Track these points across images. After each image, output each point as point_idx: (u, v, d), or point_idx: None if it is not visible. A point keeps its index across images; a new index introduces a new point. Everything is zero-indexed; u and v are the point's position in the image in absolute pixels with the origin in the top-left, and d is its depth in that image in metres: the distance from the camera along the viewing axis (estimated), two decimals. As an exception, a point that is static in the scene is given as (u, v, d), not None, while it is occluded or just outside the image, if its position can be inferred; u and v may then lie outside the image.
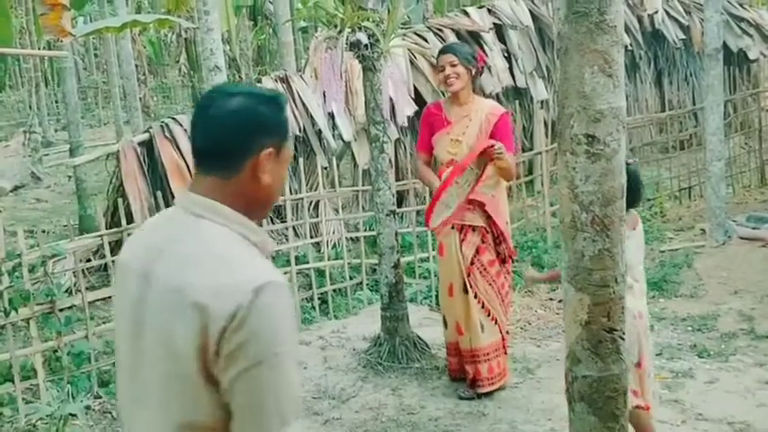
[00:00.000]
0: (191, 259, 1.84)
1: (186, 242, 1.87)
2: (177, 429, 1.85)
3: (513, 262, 5.29)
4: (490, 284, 5.10)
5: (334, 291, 7.04)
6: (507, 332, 5.33)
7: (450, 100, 5.23)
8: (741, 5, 13.55)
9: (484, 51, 10.73)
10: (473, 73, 5.14)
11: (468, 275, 5.09)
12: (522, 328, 6.28)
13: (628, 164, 4.07)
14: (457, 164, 4.89)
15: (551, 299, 6.87)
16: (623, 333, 2.62)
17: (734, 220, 8.44)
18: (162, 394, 1.86)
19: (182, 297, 1.79)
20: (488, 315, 5.10)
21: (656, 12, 12.57)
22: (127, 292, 1.93)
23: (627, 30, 11.78)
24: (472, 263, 5.07)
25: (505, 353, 5.25)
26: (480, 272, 5.09)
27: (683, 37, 12.81)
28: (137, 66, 17.83)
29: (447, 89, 5.17)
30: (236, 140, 1.88)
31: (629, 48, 12.10)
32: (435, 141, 5.18)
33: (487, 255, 5.09)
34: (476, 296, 5.09)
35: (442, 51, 5.22)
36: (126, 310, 1.94)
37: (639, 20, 12.52)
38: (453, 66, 5.04)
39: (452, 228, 5.09)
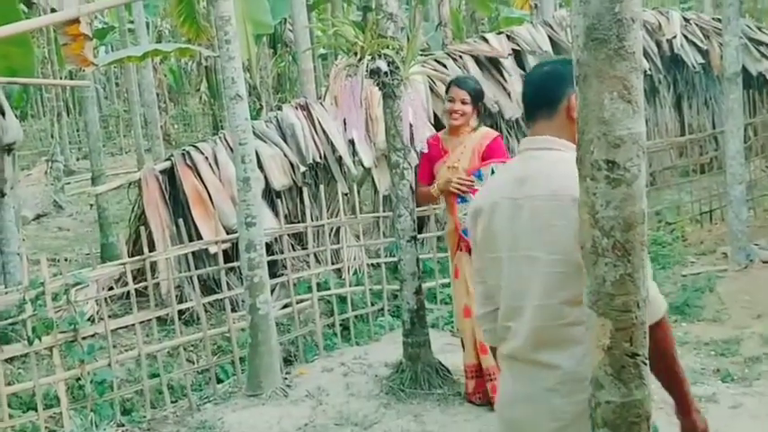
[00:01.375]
0: (556, 173, 2.48)
1: (545, 165, 2.54)
2: (559, 307, 2.46)
3: None
4: None
5: (356, 317, 7.04)
6: None
7: (449, 131, 5.39)
8: (760, 29, 13.55)
9: (503, 77, 10.78)
10: (478, 112, 5.32)
11: None
12: (543, 354, 6.25)
13: None
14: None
15: (573, 324, 6.83)
16: (646, 358, 2.61)
17: (756, 244, 8.37)
18: (545, 281, 2.47)
19: (559, 198, 2.43)
20: None
21: (675, 36, 12.58)
22: (499, 220, 2.58)
23: (646, 55, 11.79)
24: None
25: None
26: None
27: (702, 61, 12.80)
28: (158, 94, 18.01)
29: (450, 121, 5.27)
30: (553, 91, 2.62)
31: (649, 72, 12.11)
32: (436, 171, 5.34)
33: None
34: None
35: (458, 84, 5.30)
36: (501, 232, 2.58)
37: (658, 44, 12.53)
38: (464, 103, 5.19)
39: (461, 249, 5.19)
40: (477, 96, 5.27)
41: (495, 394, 5.14)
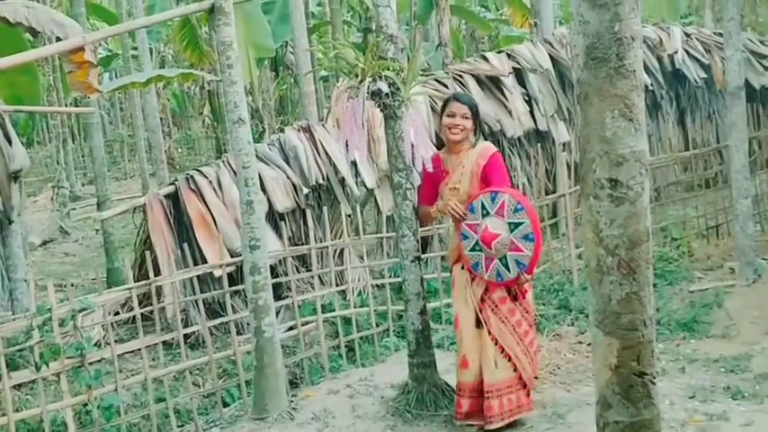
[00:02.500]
0: None
1: None
2: None
3: (524, 298, 5.22)
4: (503, 322, 5.12)
5: (361, 338, 7.02)
6: (536, 377, 5.29)
7: (448, 150, 5.37)
8: (762, 42, 13.56)
9: (504, 95, 10.80)
10: (476, 128, 5.29)
11: (481, 312, 5.14)
12: (551, 373, 6.22)
13: None
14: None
15: (580, 342, 6.80)
16: (654, 377, 2.60)
17: (764, 259, 8.35)
18: None
19: None
20: (502, 352, 5.11)
21: (676, 51, 12.60)
22: None
23: (647, 70, 11.81)
24: (483, 300, 5.13)
25: (525, 389, 5.21)
26: (492, 309, 5.13)
27: (705, 75, 12.81)
28: (161, 119, 18.09)
29: (450, 137, 5.25)
30: None
31: (651, 88, 12.12)
32: (440, 192, 5.33)
33: (498, 292, 5.13)
34: (489, 333, 5.12)
35: (458, 99, 5.30)
36: None
37: (660, 60, 12.55)
38: (465, 118, 5.18)
39: (462, 267, 5.19)
40: (477, 112, 5.28)
41: (489, 411, 5.10)
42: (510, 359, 5.10)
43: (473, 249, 5.09)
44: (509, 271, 5.00)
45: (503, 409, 5.09)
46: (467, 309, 5.19)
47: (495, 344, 5.09)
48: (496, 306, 5.12)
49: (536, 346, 5.33)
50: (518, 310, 5.16)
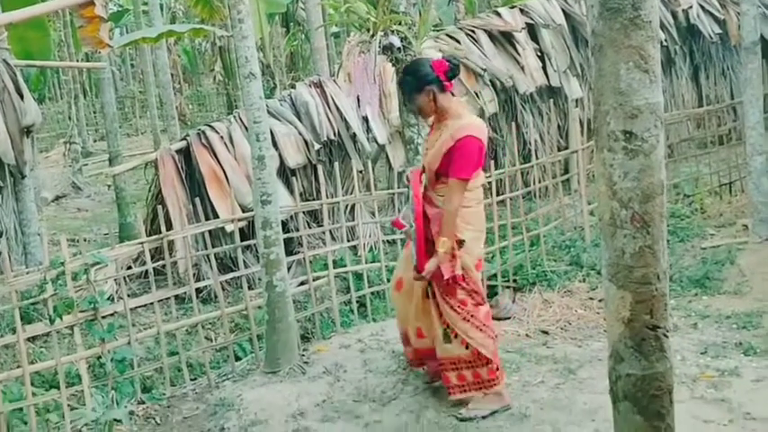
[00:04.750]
0: None
1: None
2: None
3: (456, 282, 4.72)
4: (443, 299, 4.80)
5: (372, 293, 7.04)
6: (496, 368, 4.88)
7: None
8: (778, -3, 13.37)
9: (516, 51, 10.70)
10: (433, 93, 4.67)
11: (430, 284, 4.86)
12: (562, 329, 6.24)
13: None
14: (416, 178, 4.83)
15: (591, 298, 6.82)
16: (667, 330, 2.59)
17: (776, 215, 8.30)
18: None
19: None
20: (447, 327, 4.83)
21: (691, 6, 12.45)
22: None
23: (662, 25, 11.68)
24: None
25: (489, 364, 4.83)
26: (436, 284, 4.81)
27: (719, 31, 12.67)
28: (172, 75, 18.03)
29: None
30: None
31: (665, 43, 11.99)
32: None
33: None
34: (437, 306, 4.86)
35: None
36: None
37: (674, 15, 12.41)
38: (409, 107, 4.84)
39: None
40: (414, 90, 4.68)
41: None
42: (457, 336, 4.80)
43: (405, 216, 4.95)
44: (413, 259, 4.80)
45: (453, 381, 4.89)
46: (408, 271, 4.94)
47: (440, 317, 4.84)
48: (437, 283, 4.80)
49: (492, 323, 4.95)
50: (458, 288, 4.75)
